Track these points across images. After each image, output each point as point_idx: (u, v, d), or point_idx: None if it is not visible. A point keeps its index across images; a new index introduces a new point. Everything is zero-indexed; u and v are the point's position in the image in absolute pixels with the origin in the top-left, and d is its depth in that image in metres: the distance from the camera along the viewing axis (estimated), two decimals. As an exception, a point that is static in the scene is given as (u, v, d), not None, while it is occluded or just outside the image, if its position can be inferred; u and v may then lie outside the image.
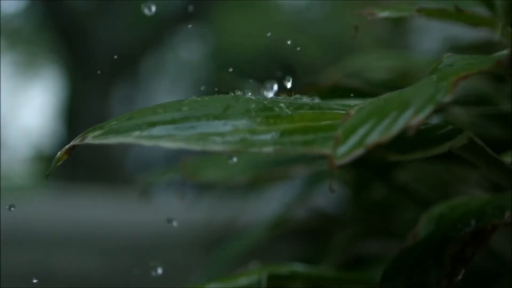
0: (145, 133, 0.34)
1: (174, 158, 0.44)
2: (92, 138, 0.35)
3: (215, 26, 6.93)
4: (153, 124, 0.35)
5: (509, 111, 0.60)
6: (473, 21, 0.49)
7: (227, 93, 0.41)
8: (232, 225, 1.07)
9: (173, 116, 0.35)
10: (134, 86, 6.73)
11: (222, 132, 0.34)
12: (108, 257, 1.55)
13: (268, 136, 0.35)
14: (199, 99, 0.38)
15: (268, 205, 0.95)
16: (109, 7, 6.11)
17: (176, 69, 8.12)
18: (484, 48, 0.69)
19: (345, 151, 0.32)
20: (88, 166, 5.28)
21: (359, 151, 0.32)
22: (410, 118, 0.33)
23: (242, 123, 0.35)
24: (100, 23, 6.03)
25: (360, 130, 0.33)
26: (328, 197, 0.97)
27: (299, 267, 0.53)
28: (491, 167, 0.41)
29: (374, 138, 0.32)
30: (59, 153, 0.36)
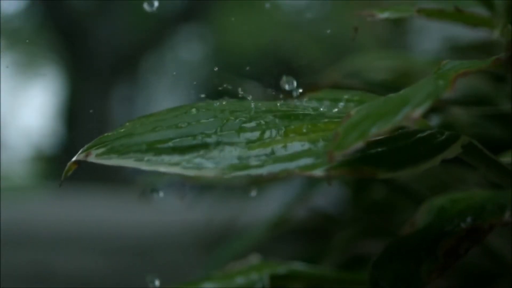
0: (144, 156, 0.37)
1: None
2: (95, 157, 0.38)
3: (215, 26, 6.93)
4: (151, 144, 0.37)
5: (509, 111, 0.60)
6: (473, 21, 0.49)
7: (227, 93, 0.41)
8: (232, 225, 1.07)
9: (172, 134, 0.38)
10: (134, 86, 6.72)
11: (215, 157, 0.36)
12: (108, 257, 1.55)
13: (259, 158, 0.36)
14: (194, 112, 0.40)
15: (268, 205, 0.95)
16: (109, 7, 6.11)
17: (176, 69, 8.11)
18: (484, 48, 0.69)
19: (345, 144, 0.33)
20: (88, 166, 5.27)
21: (359, 143, 0.32)
22: (409, 112, 0.33)
23: (235, 141, 0.37)
24: (100, 23, 6.03)
25: (360, 126, 0.34)
26: (328, 197, 0.97)
27: (298, 266, 0.53)
28: (490, 169, 0.41)
29: (374, 130, 0.33)
30: (67, 166, 0.39)
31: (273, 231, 0.88)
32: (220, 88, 0.45)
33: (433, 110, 0.57)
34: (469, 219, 0.41)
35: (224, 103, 0.41)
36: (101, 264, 1.47)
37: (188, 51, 7.53)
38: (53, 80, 7.32)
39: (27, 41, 7.80)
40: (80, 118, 5.84)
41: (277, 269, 0.51)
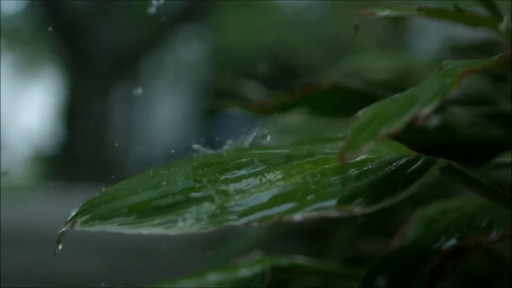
0: (126, 220, 0.37)
1: (173, 157, 0.45)
2: (80, 225, 0.38)
3: (215, 26, 6.93)
4: (133, 207, 0.37)
5: (509, 111, 0.60)
6: (473, 21, 0.49)
7: (226, 94, 0.41)
8: (231, 225, 1.07)
9: (152, 194, 0.38)
10: (134, 86, 6.72)
11: (194, 213, 0.37)
12: (108, 257, 1.55)
13: (238, 209, 0.36)
14: (172, 170, 0.40)
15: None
16: (109, 8, 6.11)
17: (176, 69, 8.11)
18: (483, 48, 0.69)
19: (356, 145, 0.32)
20: (88, 166, 5.28)
21: (370, 144, 0.32)
22: (418, 111, 0.33)
23: (212, 195, 0.37)
24: (100, 23, 6.03)
25: (370, 127, 0.33)
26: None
27: (301, 260, 0.54)
28: (471, 187, 0.41)
29: (385, 130, 0.32)
30: (58, 234, 0.39)
31: (273, 231, 0.88)
32: (220, 88, 0.45)
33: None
34: (454, 238, 0.41)
35: (199, 158, 0.42)
36: (101, 264, 1.47)
37: (188, 51, 7.53)
38: (53, 80, 7.32)
39: (27, 41, 7.80)
40: (80, 118, 5.84)
41: (280, 262, 0.51)
